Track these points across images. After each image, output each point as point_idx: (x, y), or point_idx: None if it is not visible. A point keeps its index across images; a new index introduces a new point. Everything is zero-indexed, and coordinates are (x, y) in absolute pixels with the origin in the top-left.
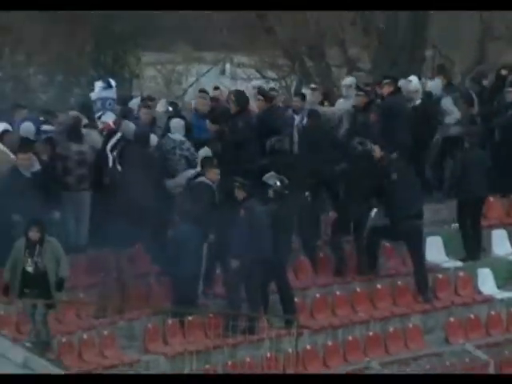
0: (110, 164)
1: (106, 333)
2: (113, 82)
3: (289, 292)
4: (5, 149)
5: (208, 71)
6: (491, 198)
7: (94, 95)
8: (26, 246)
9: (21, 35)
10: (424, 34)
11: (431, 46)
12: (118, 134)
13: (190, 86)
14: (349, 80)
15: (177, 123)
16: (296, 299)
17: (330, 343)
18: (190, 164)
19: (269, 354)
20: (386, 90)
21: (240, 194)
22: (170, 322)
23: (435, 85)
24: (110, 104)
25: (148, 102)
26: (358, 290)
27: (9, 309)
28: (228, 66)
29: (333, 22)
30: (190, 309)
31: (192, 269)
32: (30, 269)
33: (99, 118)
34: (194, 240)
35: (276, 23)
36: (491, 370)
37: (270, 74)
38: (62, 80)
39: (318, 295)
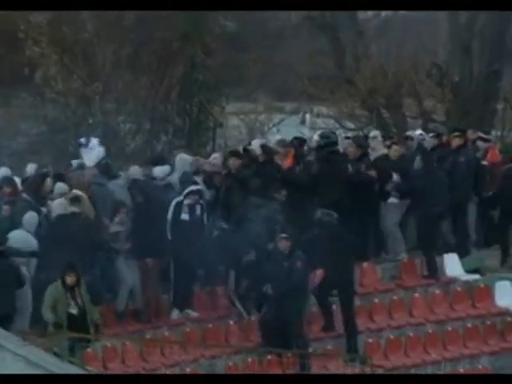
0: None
1: (188, 370)
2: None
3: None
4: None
5: (280, 122)
6: None
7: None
8: (66, 290)
9: (110, 82)
10: (497, 86)
11: (503, 99)
12: None
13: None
14: (373, 133)
15: None
16: (370, 340)
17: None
18: None
19: None
20: (456, 142)
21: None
22: (249, 360)
23: None
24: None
25: None
26: (430, 331)
27: (95, 345)
28: (308, 116)
29: (410, 74)
30: (268, 349)
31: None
32: (74, 311)
33: None
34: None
35: (355, 75)
36: None
37: (349, 124)
38: (149, 127)
39: (392, 336)
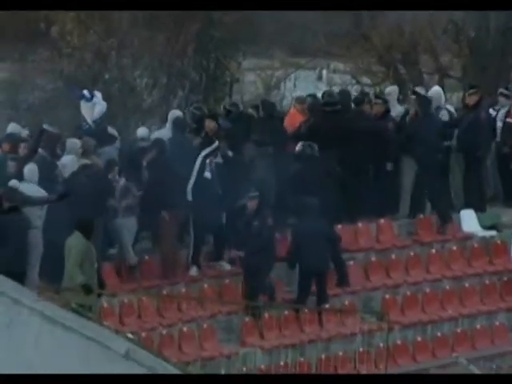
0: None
1: (205, 326)
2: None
3: None
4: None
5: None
6: None
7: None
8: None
9: (126, 39)
10: None
11: None
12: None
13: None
14: (389, 89)
15: None
16: (388, 296)
17: (419, 339)
18: None
19: (361, 349)
20: (472, 99)
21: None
22: (266, 316)
23: None
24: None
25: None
26: (448, 287)
27: (112, 301)
28: (325, 71)
29: (426, 31)
30: (284, 305)
31: None
32: (95, 265)
33: None
34: None
35: (371, 30)
36: None
37: (365, 80)
38: (166, 82)
39: (408, 292)
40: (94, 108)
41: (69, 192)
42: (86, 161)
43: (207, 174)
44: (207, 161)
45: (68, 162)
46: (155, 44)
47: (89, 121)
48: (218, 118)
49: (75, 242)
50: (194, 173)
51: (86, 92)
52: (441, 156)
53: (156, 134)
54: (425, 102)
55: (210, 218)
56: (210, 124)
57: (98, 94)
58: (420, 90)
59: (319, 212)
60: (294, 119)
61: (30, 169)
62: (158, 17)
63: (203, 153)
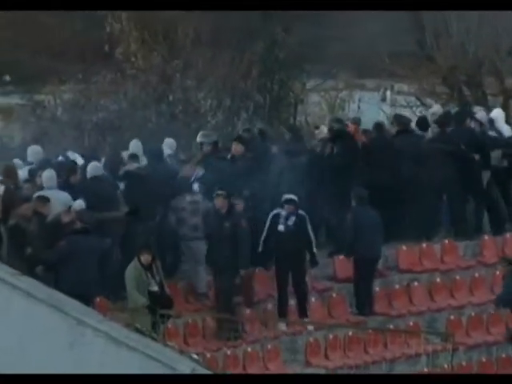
0: None
1: (269, 346)
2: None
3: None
4: None
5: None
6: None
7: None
8: (144, 269)
9: (190, 60)
10: None
11: None
12: None
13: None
14: (434, 108)
15: None
16: (452, 317)
17: (484, 360)
18: None
19: (425, 370)
20: None
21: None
22: (330, 336)
23: None
24: None
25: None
26: None
27: (176, 321)
28: (388, 93)
29: (490, 52)
30: (348, 325)
31: None
32: (155, 288)
33: None
34: None
35: (436, 52)
36: None
37: (429, 101)
38: (229, 104)
39: (473, 313)
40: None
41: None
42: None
43: (280, 228)
44: (282, 213)
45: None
46: (219, 65)
47: None
48: (244, 140)
49: (131, 267)
50: (266, 227)
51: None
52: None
53: None
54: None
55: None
56: (236, 147)
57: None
58: (480, 112)
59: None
60: None
61: (47, 175)
62: (221, 37)
63: (274, 211)
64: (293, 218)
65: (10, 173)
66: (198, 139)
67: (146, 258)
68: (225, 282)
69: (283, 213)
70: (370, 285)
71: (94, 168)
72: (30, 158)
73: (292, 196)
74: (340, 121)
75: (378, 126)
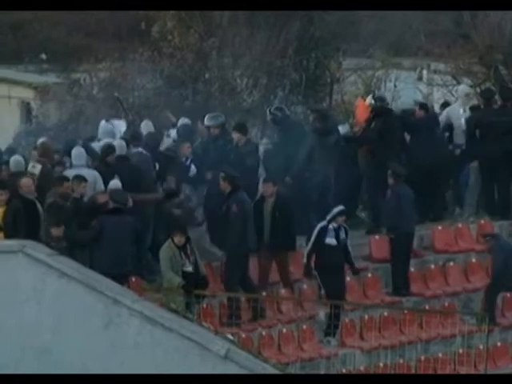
0: None
1: (304, 327)
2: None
3: None
4: None
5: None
6: None
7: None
8: (178, 249)
9: (226, 38)
10: None
11: None
12: None
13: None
14: (462, 88)
15: None
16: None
17: None
18: None
19: (460, 350)
20: None
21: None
22: (366, 317)
23: None
24: None
25: None
26: None
27: (211, 301)
28: (425, 72)
29: None
30: (384, 305)
31: None
32: (189, 269)
33: None
34: None
35: (472, 30)
36: None
37: (466, 80)
38: (266, 83)
39: (508, 294)
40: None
41: (176, 192)
42: None
43: (331, 241)
44: (330, 226)
45: None
46: (255, 43)
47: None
48: (245, 129)
49: (164, 248)
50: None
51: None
52: None
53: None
54: None
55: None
56: (235, 135)
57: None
58: None
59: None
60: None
61: (77, 153)
62: (258, 15)
63: (320, 224)
64: (343, 230)
65: (47, 152)
66: (205, 122)
67: (179, 238)
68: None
69: (331, 226)
70: (407, 264)
71: (121, 147)
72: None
73: (343, 207)
74: (382, 99)
75: (424, 105)
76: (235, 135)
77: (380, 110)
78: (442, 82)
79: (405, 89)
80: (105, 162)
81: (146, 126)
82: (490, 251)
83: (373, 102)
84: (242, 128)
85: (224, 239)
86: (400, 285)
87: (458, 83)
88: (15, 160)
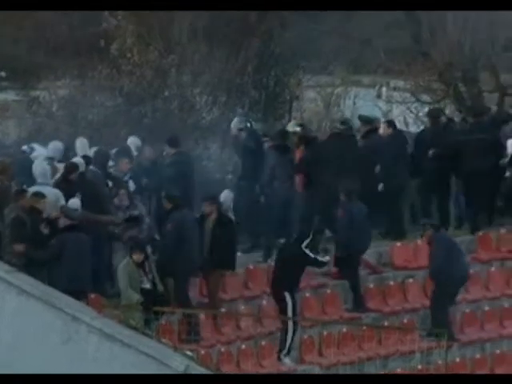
0: None
1: (263, 343)
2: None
3: None
4: None
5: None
6: None
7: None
8: (137, 266)
9: (186, 56)
10: None
11: None
12: None
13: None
14: None
15: None
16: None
17: (478, 356)
18: None
19: (419, 366)
20: None
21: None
22: (325, 333)
23: None
24: None
25: None
26: (506, 305)
27: (170, 318)
28: (384, 89)
29: (486, 48)
30: (342, 322)
31: None
32: (147, 286)
33: None
34: None
35: (432, 48)
36: None
37: (425, 97)
38: (225, 100)
39: (467, 310)
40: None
41: (137, 217)
42: None
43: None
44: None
45: None
46: (215, 61)
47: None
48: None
49: (123, 265)
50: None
51: (24, 147)
52: None
53: None
54: None
55: None
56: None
57: (37, 146)
58: None
59: None
60: None
61: (41, 171)
62: (217, 32)
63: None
64: None
65: (4, 170)
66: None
67: (138, 256)
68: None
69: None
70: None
71: (81, 165)
72: (50, 153)
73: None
74: (346, 122)
75: (391, 122)
76: (168, 149)
77: (304, 139)
78: (401, 99)
79: (364, 106)
80: (67, 179)
81: (81, 144)
82: (429, 242)
83: (297, 129)
84: (171, 142)
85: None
86: (358, 301)
87: (418, 100)
88: None
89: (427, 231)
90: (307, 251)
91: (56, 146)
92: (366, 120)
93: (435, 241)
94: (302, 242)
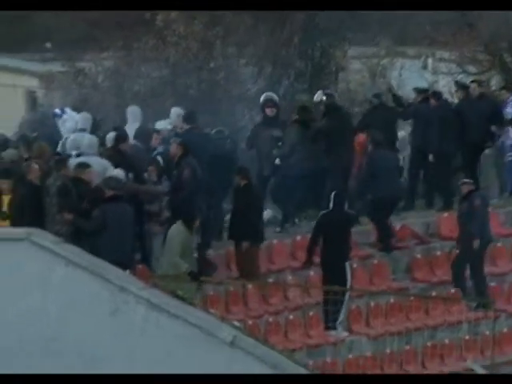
0: None
1: (311, 313)
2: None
3: None
4: None
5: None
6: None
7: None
8: (190, 236)
9: (230, 28)
10: None
11: None
12: None
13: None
14: None
15: None
16: (494, 284)
17: None
18: None
19: (467, 337)
20: None
21: None
22: (372, 304)
23: None
24: None
25: None
26: None
27: (218, 289)
28: (430, 60)
29: None
30: (390, 292)
31: None
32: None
33: None
34: None
35: (477, 19)
36: None
37: (471, 68)
38: (271, 71)
39: None
40: (65, 126)
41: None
42: None
43: None
44: None
45: None
46: (260, 33)
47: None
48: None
49: (176, 232)
50: None
51: (56, 110)
52: None
53: None
54: None
55: None
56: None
57: (69, 111)
58: None
59: None
60: None
61: (88, 142)
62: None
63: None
64: None
65: (43, 152)
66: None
67: (192, 224)
68: None
69: None
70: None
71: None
72: (81, 125)
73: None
74: (378, 95)
75: (437, 94)
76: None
77: (330, 107)
78: (447, 70)
79: (410, 77)
80: (118, 150)
81: (132, 113)
82: (466, 197)
83: (324, 98)
84: (187, 117)
85: None
86: (384, 239)
87: (464, 71)
88: (9, 153)
89: (467, 185)
90: (350, 211)
91: (86, 117)
92: (421, 91)
93: (479, 197)
94: (343, 205)
